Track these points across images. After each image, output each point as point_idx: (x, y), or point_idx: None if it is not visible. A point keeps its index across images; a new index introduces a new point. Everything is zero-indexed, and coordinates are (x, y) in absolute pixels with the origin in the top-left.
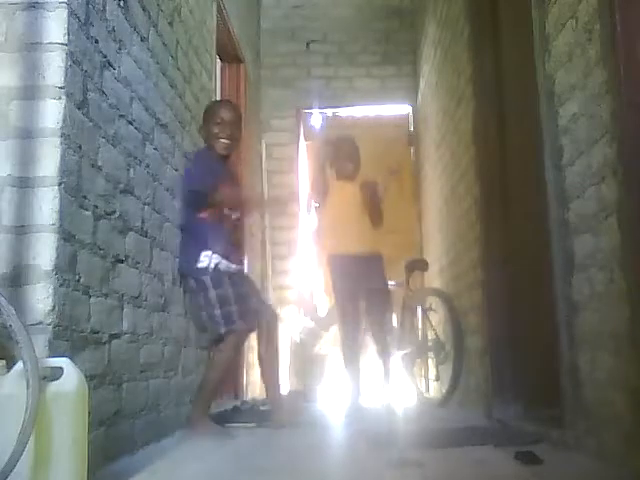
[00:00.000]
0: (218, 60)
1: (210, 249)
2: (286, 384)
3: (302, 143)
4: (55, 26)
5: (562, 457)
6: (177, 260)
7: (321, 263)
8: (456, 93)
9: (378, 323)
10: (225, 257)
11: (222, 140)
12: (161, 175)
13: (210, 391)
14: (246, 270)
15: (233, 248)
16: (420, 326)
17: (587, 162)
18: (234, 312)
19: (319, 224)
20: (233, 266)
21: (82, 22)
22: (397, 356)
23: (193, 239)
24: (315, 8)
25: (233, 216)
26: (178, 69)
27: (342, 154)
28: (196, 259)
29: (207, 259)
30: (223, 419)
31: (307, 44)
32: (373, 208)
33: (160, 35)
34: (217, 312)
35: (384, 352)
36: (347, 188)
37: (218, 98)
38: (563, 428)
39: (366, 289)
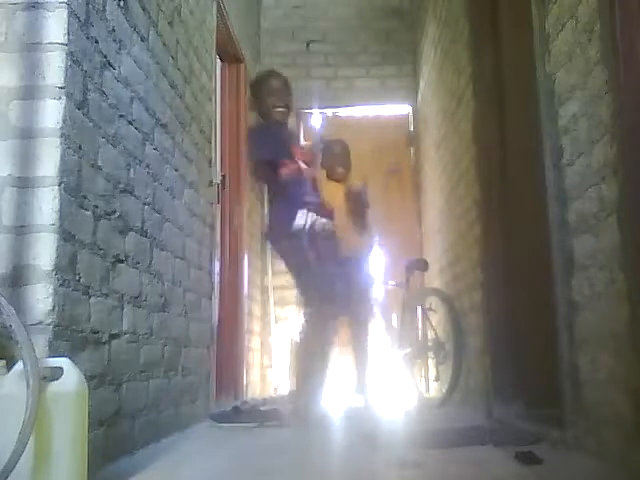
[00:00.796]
0: (218, 60)
1: (305, 207)
2: (286, 384)
3: (302, 143)
4: (55, 26)
5: (562, 457)
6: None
7: None
8: (456, 93)
9: (357, 330)
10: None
11: (279, 109)
12: (161, 175)
13: (303, 380)
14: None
15: (325, 209)
16: (420, 326)
17: (587, 162)
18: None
19: None
20: (324, 220)
21: (82, 22)
22: (397, 356)
23: (284, 199)
24: (315, 8)
25: (313, 171)
26: (178, 69)
27: (333, 156)
28: (292, 219)
29: (301, 218)
30: (223, 419)
31: (307, 44)
32: (357, 215)
33: (160, 35)
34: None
35: (360, 361)
36: (335, 190)
37: (218, 98)
38: (563, 428)
39: (345, 293)
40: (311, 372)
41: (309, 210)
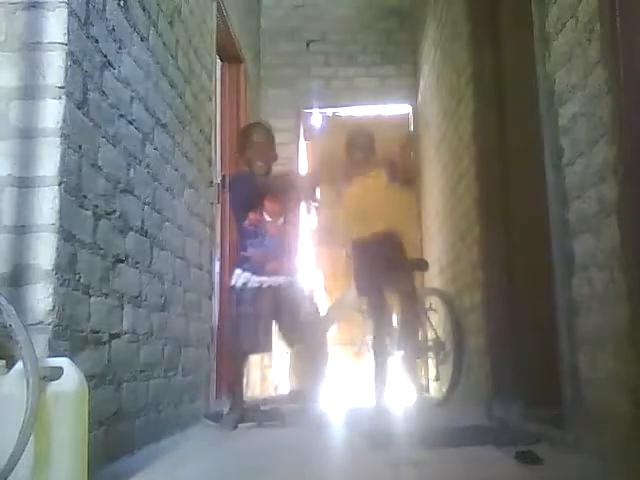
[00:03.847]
0: (218, 60)
1: (241, 266)
2: (286, 384)
3: (302, 143)
4: (55, 26)
5: (562, 457)
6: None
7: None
8: (456, 93)
9: (405, 311)
10: (258, 269)
11: (258, 163)
12: (161, 175)
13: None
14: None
15: (273, 255)
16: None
17: (587, 162)
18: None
19: (322, 222)
20: (265, 278)
21: (82, 22)
22: (397, 356)
23: (237, 251)
24: (315, 8)
25: (278, 221)
26: (178, 69)
27: (357, 145)
28: (230, 276)
29: (236, 278)
30: (219, 419)
31: (307, 44)
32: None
33: (160, 35)
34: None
35: (408, 342)
36: (364, 189)
37: (218, 98)
38: (563, 428)
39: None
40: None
41: (244, 269)
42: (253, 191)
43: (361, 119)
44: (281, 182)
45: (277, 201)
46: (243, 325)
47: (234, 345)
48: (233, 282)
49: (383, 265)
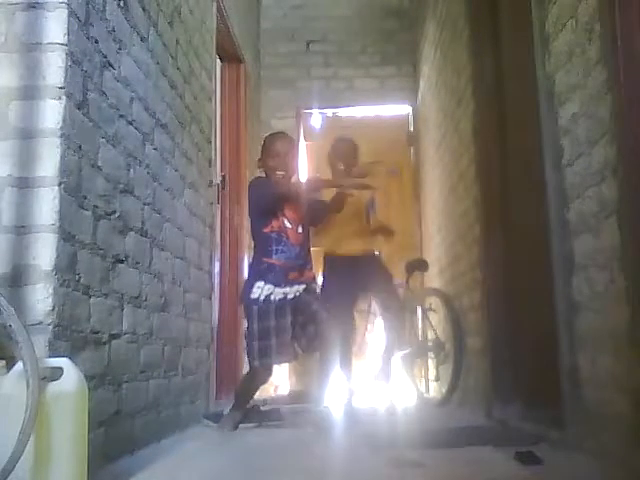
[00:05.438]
0: (218, 60)
1: (264, 278)
2: (286, 384)
3: (302, 143)
4: (55, 26)
5: (562, 457)
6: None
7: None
8: (456, 93)
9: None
10: (282, 279)
11: (279, 173)
12: (161, 175)
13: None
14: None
15: (296, 263)
16: (420, 326)
17: (587, 162)
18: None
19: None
20: (287, 289)
21: (82, 22)
22: (397, 356)
23: (255, 260)
24: (315, 8)
25: (298, 229)
26: (178, 69)
27: (339, 154)
28: (250, 288)
29: (259, 290)
30: (218, 419)
31: (307, 44)
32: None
33: (160, 35)
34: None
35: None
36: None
37: (218, 98)
38: (563, 428)
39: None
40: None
41: (267, 281)
42: (277, 195)
43: (352, 124)
44: (299, 188)
45: (296, 208)
46: (268, 339)
47: (259, 361)
48: (255, 295)
49: (354, 285)
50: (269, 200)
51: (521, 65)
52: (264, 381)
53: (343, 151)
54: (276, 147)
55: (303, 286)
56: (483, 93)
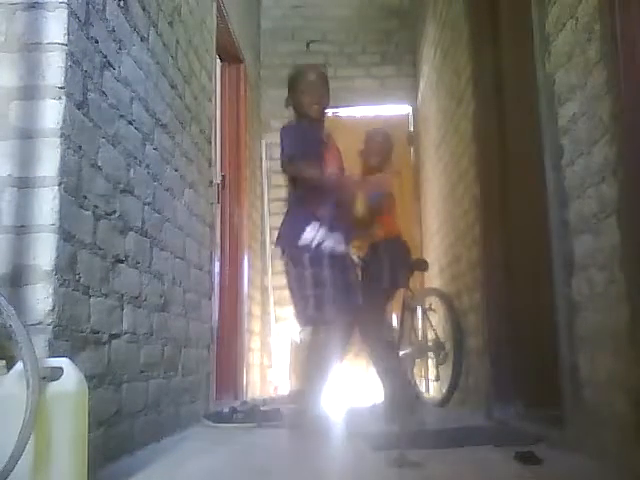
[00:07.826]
0: (218, 60)
1: (312, 223)
2: (286, 384)
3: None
4: (55, 26)
5: (562, 457)
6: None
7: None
8: (456, 93)
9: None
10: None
11: (313, 106)
12: (161, 175)
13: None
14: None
15: (338, 224)
16: (420, 326)
17: (587, 162)
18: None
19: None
20: (334, 240)
21: (82, 22)
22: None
23: (298, 207)
24: (315, 8)
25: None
26: (178, 69)
27: (370, 145)
28: (301, 231)
29: (310, 235)
30: (219, 419)
31: (307, 44)
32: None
33: (160, 35)
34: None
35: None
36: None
37: (218, 98)
38: (563, 428)
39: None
40: (313, 376)
41: (321, 225)
42: (315, 136)
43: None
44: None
45: (338, 160)
46: (334, 289)
47: (317, 313)
48: (306, 241)
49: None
50: (308, 147)
51: (521, 65)
52: (338, 341)
53: (378, 142)
54: (308, 77)
55: (347, 248)
56: (483, 93)
